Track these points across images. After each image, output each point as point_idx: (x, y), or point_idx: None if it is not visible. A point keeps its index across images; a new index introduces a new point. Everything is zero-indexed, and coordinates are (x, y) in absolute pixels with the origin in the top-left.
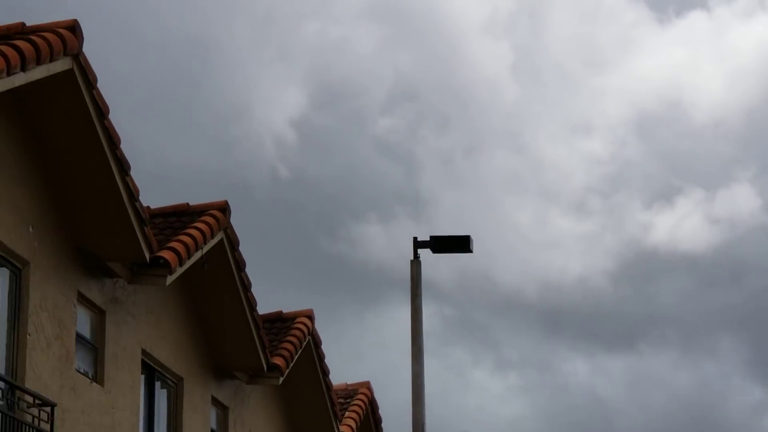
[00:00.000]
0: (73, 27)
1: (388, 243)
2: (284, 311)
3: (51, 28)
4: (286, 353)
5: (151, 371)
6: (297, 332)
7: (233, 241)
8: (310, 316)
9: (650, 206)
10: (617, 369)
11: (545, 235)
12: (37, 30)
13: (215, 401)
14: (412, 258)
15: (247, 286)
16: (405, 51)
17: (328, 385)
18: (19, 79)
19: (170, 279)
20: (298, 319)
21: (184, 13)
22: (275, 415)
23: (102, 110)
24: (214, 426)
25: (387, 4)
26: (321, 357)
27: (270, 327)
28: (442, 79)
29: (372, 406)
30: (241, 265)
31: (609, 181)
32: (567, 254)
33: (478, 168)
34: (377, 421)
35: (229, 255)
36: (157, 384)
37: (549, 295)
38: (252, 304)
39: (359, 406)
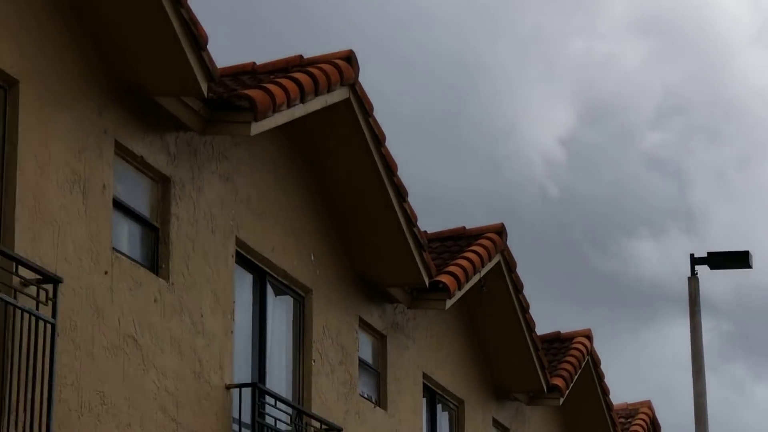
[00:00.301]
0: (349, 57)
1: (661, 258)
2: (562, 331)
3: (327, 59)
4: (565, 373)
5: (433, 394)
6: (576, 352)
7: (510, 264)
8: (588, 336)
9: None
10: None
11: None
12: (314, 62)
13: (496, 423)
14: (689, 275)
15: (525, 308)
16: (673, 64)
17: (609, 404)
18: (299, 110)
19: (449, 303)
20: (577, 339)
21: (449, 36)
22: None
23: (378, 138)
24: None
25: (654, 18)
26: (600, 376)
27: (548, 347)
28: (711, 91)
29: (654, 425)
30: (518, 287)
31: None
32: None
33: (752, 181)
34: None
35: (507, 277)
36: (439, 407)
37: None
38: (530, 325)
39: (641, 426)
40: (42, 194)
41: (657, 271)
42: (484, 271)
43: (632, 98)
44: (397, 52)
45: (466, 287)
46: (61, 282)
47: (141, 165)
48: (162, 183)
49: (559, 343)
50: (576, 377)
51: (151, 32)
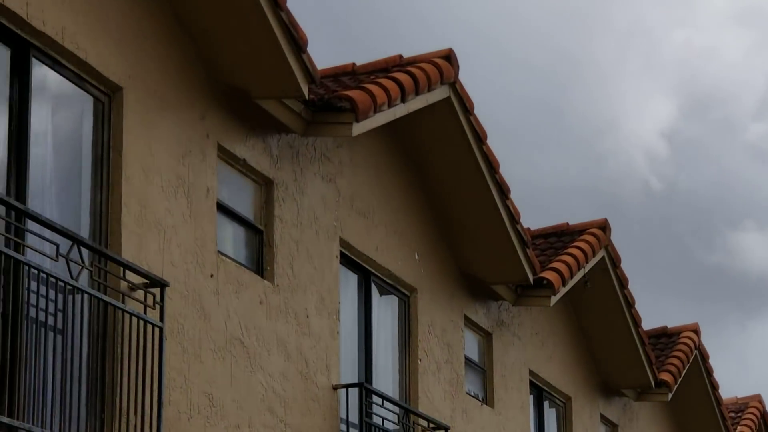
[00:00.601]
0: (449, 56)
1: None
2: (668, 326)
3: (427, 59)
4: (673, 368)
5: (540, 391)
6: (683, 347)
7: (615, 259)
8: (695, 330)
9: None
10: None
11: None
12: (413, 62)
13: (604, 419)
14: None
15: (630, 303)
16: None
17: (718, 399)
18: (400, 110)
19: (554, 299)
20: (684, 334)
21: (549, 31)
22: (665, 431)
23: (480, 136)
24: None
25: (755, 9)
26: (709, 371)
27: (655, 343)
28: None
29: (764, 419)
30: (623, 282)
31: None
32: None
33: None
34: None
35: (611, 273)
36: (546, 404)
37: None
38: (636, 320)
39: (751, 420)
40: (147, 199)
41: (763, 263)
42: (588, 267)
43: (734, 90)
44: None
45: (571, 283)
46: (168, 286)
47: (244, 168)
48: (265, 185)
49: (666, 338)
50: (684, 372)
51: (251, 36)
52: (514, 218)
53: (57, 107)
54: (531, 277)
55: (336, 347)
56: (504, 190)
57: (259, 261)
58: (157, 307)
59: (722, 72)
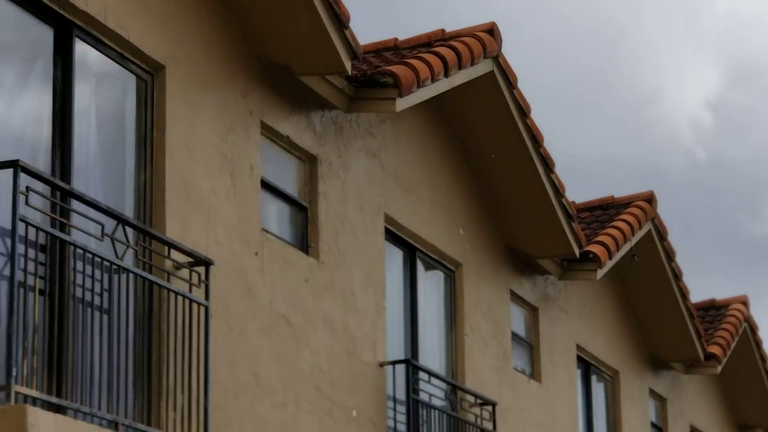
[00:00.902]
0: (491, 30)
1: None
2: (716, 298)
3: (470, 32)
4: (722, 341)
5: (587, 366)
6: (732, 319)
7: (661, 231)
8: (744, 302)
9: None
10: None
11: None
12: (456, 36)
13: (653, 393)
14: None
15: (678, 275)
16: None
17: None
18: (443, 85)
19: (600, 273)
20: (732, 306)
21: (591, 2)
22: (714, 405)
23: (523, 109)
24: (653, 418)
25: None
26: (759, 343)
27: (704, 315)
28: None
29: None
30: (671, 254)
31: None
32: None
33: None
34: None
35: (658, 245)
36: (593, 378)
37: None
38: (684, 293)
39: None
40: (191, 178)
41: None
42: (634, 240)
43: None
44: (538, 20)
45: (617, 257)
46: (213, 264)
47: (287, 145)
48: (309, 162)
49: (714, 310)
50: (733, 345)
51: (293, 12)
52: (559, 192)
53: (100, 86)
54: (577, 251)
55: (382, 324)
56: (548, 164)
57: (304, 238)
58: (203, 285)
59: (767, 40)
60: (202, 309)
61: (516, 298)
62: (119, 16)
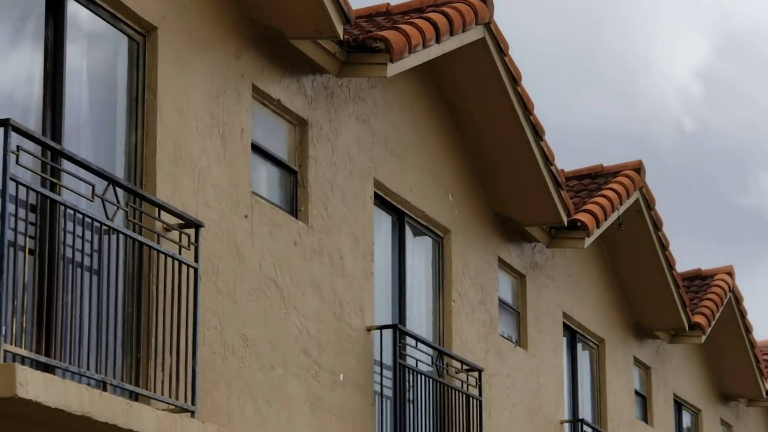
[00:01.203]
0: None
1: None
2: (702, 268)
3: None
4: (707, 311)
5: (573, 333)
6: (717, 289)
7: (649, 201)
8: (729, 272)
9: None
10: None
11: None
12: (448, 2)
13: (637, 361)
14: None
15: (665, 245)
16: None
17: (752, 342)
18: (435, 51)
19: (588, 241)
20: (718, 276)
21: None
22: (698, 374)
23: (514, 77)
24: (637, 386)
25: None
26: (743, 313)
27: (689, 285)
28: None
29: None
30: (658, 224)
31: None
32: None
33: None
34: None
35: (646, 215)
36: (579, 346)
37: None
38: (671, 262)
39: None
40: (182, 140)
41: None
42: (622, 209)
43: None
44: None
45: (605, 225)
46: (203, 226)
47: (278, 108)
48: (299, 126)
49: (700, 280)
50: (718, 314)
51: None
52: (548, 159)
53: (92, 47)
54: (565, 219)
55: (370, 288)
56: (538, 131)
57: (293, 202)
58: (192, 247)
59: (757, 9)
60: (192, 271)
61: (504, 265)
62: None
